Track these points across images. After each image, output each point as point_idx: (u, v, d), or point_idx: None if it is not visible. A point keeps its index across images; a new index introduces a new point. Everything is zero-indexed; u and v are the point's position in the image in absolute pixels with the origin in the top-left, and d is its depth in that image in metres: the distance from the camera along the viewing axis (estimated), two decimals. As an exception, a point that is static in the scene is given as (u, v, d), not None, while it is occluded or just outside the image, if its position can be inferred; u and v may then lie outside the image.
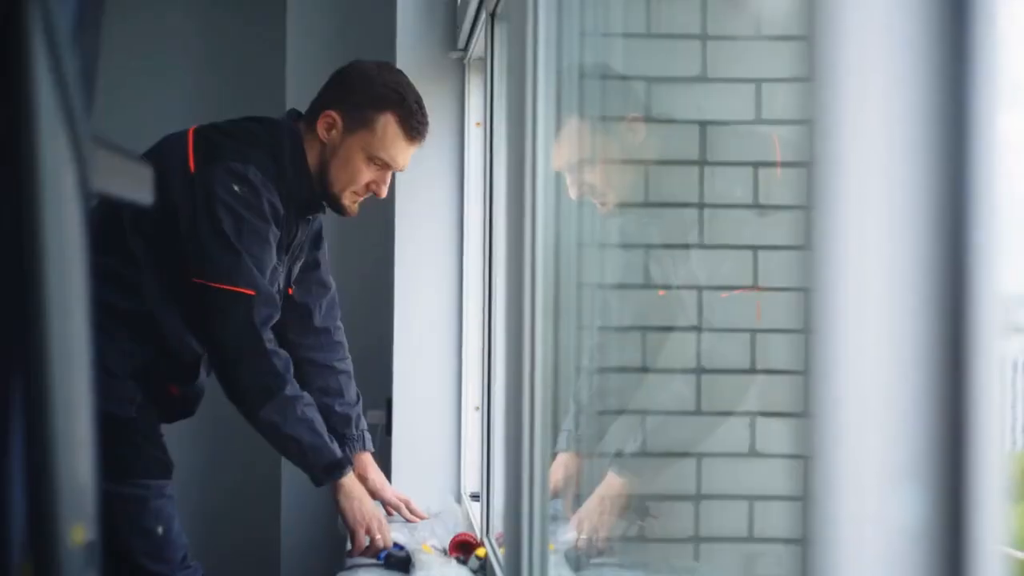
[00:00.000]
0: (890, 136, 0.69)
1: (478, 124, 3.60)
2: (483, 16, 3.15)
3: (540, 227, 2.03)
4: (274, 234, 3.08)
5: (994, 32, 0.69)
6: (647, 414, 2.76)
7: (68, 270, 1.14)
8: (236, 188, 3.03)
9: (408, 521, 3.22)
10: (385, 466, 3.91)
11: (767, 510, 2.62)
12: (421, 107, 3.16)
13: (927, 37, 0.69)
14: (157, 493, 3.06)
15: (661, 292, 2.78)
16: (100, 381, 3.02)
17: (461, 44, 3.68)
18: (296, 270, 3.31)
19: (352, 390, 3.40)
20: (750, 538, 2.77)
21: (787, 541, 2.43)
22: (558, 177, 2.09)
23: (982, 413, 0.68)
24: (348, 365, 3.43)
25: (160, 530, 3.04)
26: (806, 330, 0.70)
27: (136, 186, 1.71)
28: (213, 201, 3.02)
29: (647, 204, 2.93)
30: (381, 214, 3.93)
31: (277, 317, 3.09)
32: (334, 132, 3.14)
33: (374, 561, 2.93)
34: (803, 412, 0.71)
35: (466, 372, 3.93)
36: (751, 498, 2.76)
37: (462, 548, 2.91)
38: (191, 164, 3.07)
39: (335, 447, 3.10)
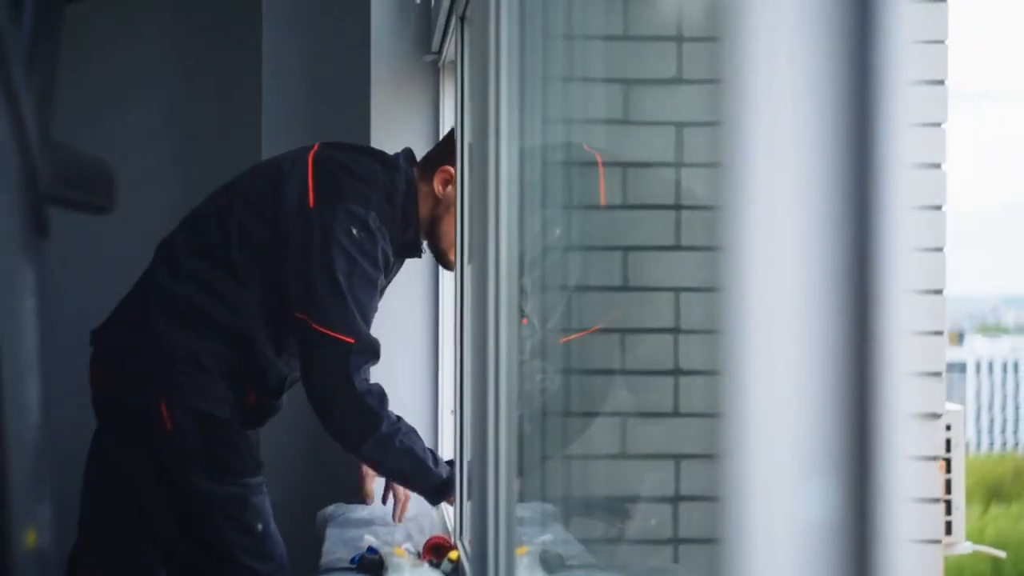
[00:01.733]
0: (797, 138, 0.70)
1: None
2: (453, 19, 3.15)
3: (504, 230, 2.03)
4: (382, 281, 3.08)
5: (899, 37, 0.70)
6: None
7: (12, 277, 1.15)
8: (355, 232, 3.01)
9: (396, 521, 3.24)
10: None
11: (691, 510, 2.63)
12: None
13: (833, 41, 0.70)
14: (256, 490, 3.08)
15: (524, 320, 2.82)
16: (195, 378, 3.03)
17: (435, 47, 3.68)
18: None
19: None
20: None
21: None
22: (521, 181, 2.10)
23: (888, 407, 0.69)
24: None
25: (260, 527, 3.06)
26: (718, 332, 0.71)
27: (97, 193, 1.73)
28: (330, 242, 3.01)
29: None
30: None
31: (376, 363, 3.08)
32: (450, 188, 3.13)
33: (347, 565, 2.93)
34: (716, 412, 0.72)
35: (442, 375, 3.94)
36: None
37: (435, 551, 2.91)
38: (311, 198, 3.05)
39: (440, 469, 3.11)
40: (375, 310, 3.10)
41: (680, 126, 3.00)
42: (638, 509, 3.54)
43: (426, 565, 2.85)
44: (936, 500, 3.92)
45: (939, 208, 3.92)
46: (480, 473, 2.11)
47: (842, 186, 0.69)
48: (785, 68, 0.70)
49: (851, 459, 0.69)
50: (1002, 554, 5.15)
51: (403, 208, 3.11)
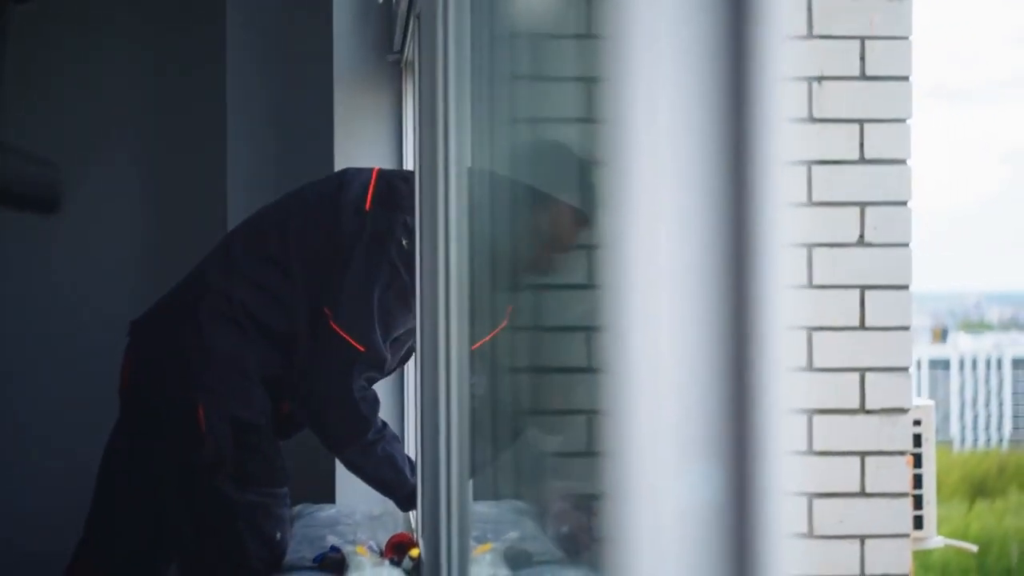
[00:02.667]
0: (678, 138, 0.70)
1: None
2: (412, 18, 3.15)
3: (453, 230, 2.04)
4: None
5: (779, 42, 0.70)
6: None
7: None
8: (405, 244, 3.00)
9: None
10: (330, 468, 3.90)
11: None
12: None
13: (712, 45, 0.70)
14: (281, 501, 3.06)
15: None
16: (237, 384, 3.01)
17: (396, 47, 3.69)
18: None
19: None
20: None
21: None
22: (470, 178, 2.10)
23: (766, 398, 0.70)
24: None
25: (278, 536, 3.04)
26: (602, 329, 0.71)
27: (43, 194, 1.74)
28: (377, 247, 3.00)
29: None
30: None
31: (378, 379, 3.06)
32: None
33: (309, 564, 2.94)
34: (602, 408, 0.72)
35: (408, 378, 3.94)
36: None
37: (398, 549, 2.91)
38: (367, 202, 3.03)
39: (415, 478, 3.06)
40: (403, 326, 3.07)
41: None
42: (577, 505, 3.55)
43: (387, 563, 2.85)
44: (904, 494, 3.93)
45: (904, 204, 3.93)
46: (432, 472, 2.11)
47: (719, 185, 0.70)
48: (664, 66, 0.70)
49: (730, 449, 0.70)
50: (973, 548, 5.16)
51: None
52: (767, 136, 0.69)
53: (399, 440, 3.14)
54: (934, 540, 4.58)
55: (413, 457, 3.21)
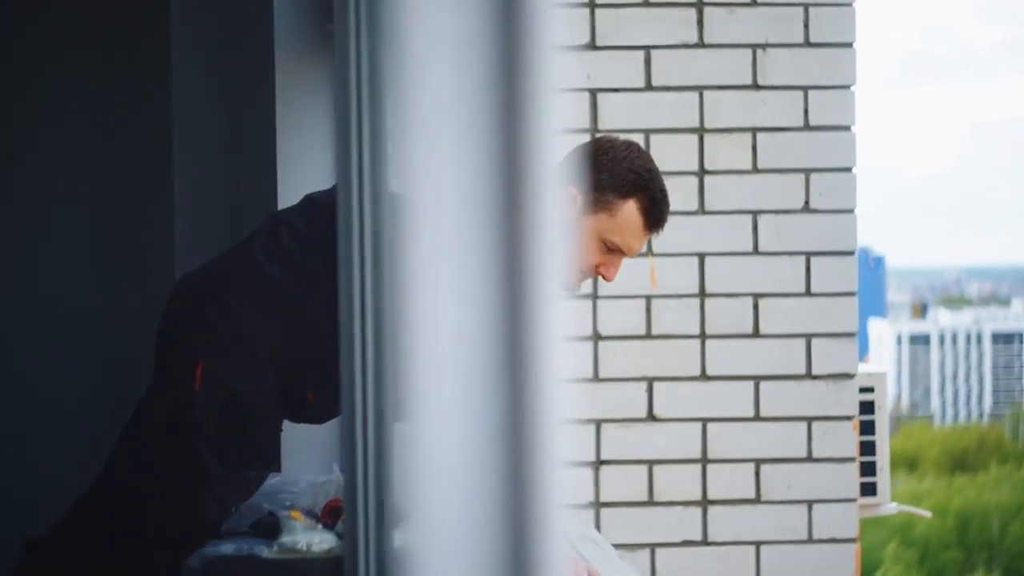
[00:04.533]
0: (456, 152, 0.72)
1: None
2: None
3: (368, 218, 2.03)
4: None
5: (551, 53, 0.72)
6: None
7: None
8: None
9: None
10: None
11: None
12: (665, 196, 2.99)
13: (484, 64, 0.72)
14: (253, 484, 3.00)
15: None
16: (243, 360, 2.94)
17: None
18: None
19: None
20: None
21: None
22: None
23: (538, 333, 0.72)
24: None
25: (233, 510, 3.00)
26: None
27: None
28: None
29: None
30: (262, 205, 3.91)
31: None
32: (572, 209, 2.96)
33: (245, 529, 2.94)
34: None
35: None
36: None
37: (333, 513, 2.93)
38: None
39: None
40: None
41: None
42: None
43: (320, 527, 2.87)
44: (850, 459, 3.96)
45: (849, 170, 3.95)
46: (349, 438, 2.12)
47: (496, 198, 0.72)
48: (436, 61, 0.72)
49: (507, 383, 0.72)
50: (927, 514, 5.20)
51: None
52: (536, 145, 0.71)
53: None
54: (888, 506, 4.60)
55: None
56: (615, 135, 3.18)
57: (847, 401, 3.96)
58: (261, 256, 2.99)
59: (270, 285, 2.98)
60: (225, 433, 2.94)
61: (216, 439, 2.93)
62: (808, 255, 3.94)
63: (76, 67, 4.68)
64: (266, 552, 2.78)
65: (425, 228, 0.73)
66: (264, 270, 2.97)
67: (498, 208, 0.73)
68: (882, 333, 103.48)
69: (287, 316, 2.96)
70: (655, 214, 2.97)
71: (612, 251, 2.98)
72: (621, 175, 2.96)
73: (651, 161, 3.02)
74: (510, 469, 0.73)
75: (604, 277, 3.01)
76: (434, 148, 0.73)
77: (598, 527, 3.89)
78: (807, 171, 3.94)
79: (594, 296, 3.92)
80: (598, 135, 3.58)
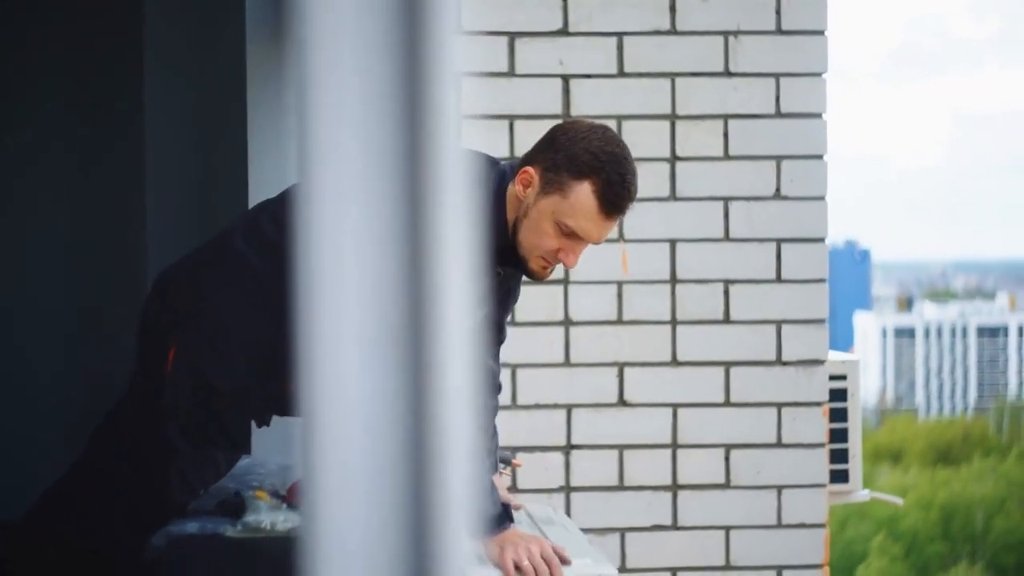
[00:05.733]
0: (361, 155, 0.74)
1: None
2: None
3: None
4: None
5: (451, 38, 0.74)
6: None
7: None
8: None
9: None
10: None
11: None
12: (624, 180, 2.89)
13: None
14: (222, 465, 2.98)
15: None
16: (216, 346, 2.93)
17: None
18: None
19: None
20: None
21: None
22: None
23: (438, 285, 0.73)
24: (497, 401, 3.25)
25: (202, 492, 3.00)
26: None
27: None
28: None
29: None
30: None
31: (495, 371, 2.99)
32: (529, 190, 2.93)
33: (211, 508, 2.96)
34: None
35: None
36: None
37: (299, 494, 2.95)
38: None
39: (492, 504, 2.90)
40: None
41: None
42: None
43: (284, 507, 2.88)
44: (820, 445, 3.98)
45: (820, 157, 3.97)
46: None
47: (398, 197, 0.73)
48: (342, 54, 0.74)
49: (407, 337, 0.73)
50: (899, 501, 5.22)
51: (491, 208, 2.97)
52: (440, 159, 0.73)
53: (487, 455, 2.98)
54: (860, 493, 4.63)
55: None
56: (586, 119, 3.18)
57: (817, 387, 3.98)
58: (240, 243, 2.98)
59: (249, 271, 2.96)
60: (196, 417, 2.94)
61: (188, 422, 2.94)
62: (779, 242, 3.96)
63: (49, 67, 4.68)
64: (230, 531, 2.80)
65: (325, 219, 0.74)
66: (243, 257, 2.96)
67: (400, 197, 0.74)
68: (867, 326, 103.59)
69: (267, 304, 2.93)
70: (610, 197, 2.88)
71: (569, 235, 2.91)
72: (576, 156, 2.89)
73: (617, 145, 2.94)
74: (410, 462, 0.75)
75: (564, 263, 2.94)
76: (333, 140, 0.74)
77: (568, 511, 3.91)
78: (778, 158, 3.96)
79: (565, 282, 3.93)
80: (572, 118, 3.59)
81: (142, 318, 3.06)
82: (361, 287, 0.74)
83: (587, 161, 2.89)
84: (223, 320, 2.97)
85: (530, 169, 2.93)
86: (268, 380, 2.97)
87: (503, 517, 2.88)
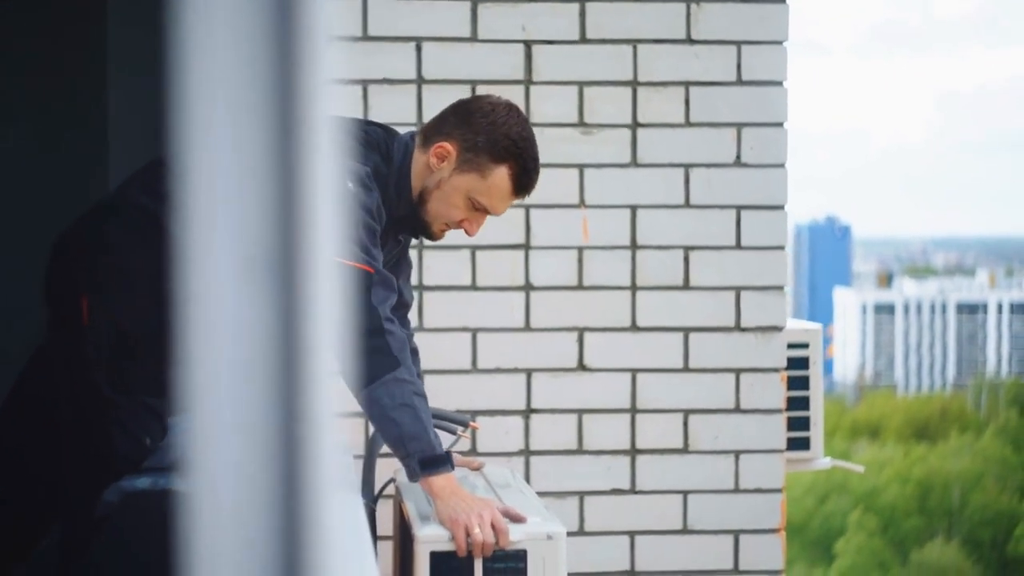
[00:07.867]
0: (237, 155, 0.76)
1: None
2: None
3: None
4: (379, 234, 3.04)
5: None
6: None
7: None
8: (350, 185, 2.97)
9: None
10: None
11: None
12: (536, 163, 3.12)
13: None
14: (155, 410, 3.01)
15: None
16: (124, 288, 2.95)
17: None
18: None
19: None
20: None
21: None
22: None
23: (309, 225, 0.75)
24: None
25: (148, 441, 3.03)
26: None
27: None
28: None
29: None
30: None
31: (394, 301, 3.00)
32: (444, 165, 3.09)
33: (164, 466, 2.98)
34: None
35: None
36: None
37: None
38: None
39: (437, 442, 2.93)
40: (381, 259, 3.02)
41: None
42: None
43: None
44: (778, 411, 4.01)
45: (780, 125, 3.99)
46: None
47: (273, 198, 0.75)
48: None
49: (281, 268, 0.75)
50: (860, 469, 5.26)
51: (397, 178, 3.11)
52: (311, 162, 0.75)
53: (426, 400, 2.97)
54: (821, 461, 4.66)
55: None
56: (496, 96, 3.22)
57: (775, 353, 4.01)
58: (138, 194, 3.06)
59: (147, 216, 3.02)
60: (119, 363, 2.99)
61: (113, 370, 2.99)
62: (739, 209, 3.99)
63: (10, 61, 4.68)
64: (182, 486, 2.82)
65: (201, 158, 0.76)
66: (140, 203, 3.03)
67: (272, 181, 0.76)
68: (847, 302, 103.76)
69: (167, 245, 2.98)
70: (524, 180, 3.10)
71: (477, 209, 3.12)
72: (497, 141, 3.08)
73: (528, 128, 3.14)
74: (283, 393, 0.77)
75: (466, 231, 3.15)
76: (207, 75, 0.76)
77: (527, 475, 3.93)
78: (739, 125, 3.98)
79: (526, 247, 3.95)
80: (478, 93, 3.62)
81: (47, 282, 3.09)
82: (235, 221, 0.75)
83: (507, 147, 3.08)
84: (131, 266, 3.03)
85: (447, 145, 3.09)
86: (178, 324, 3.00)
87: (444, 459, 2.91)
